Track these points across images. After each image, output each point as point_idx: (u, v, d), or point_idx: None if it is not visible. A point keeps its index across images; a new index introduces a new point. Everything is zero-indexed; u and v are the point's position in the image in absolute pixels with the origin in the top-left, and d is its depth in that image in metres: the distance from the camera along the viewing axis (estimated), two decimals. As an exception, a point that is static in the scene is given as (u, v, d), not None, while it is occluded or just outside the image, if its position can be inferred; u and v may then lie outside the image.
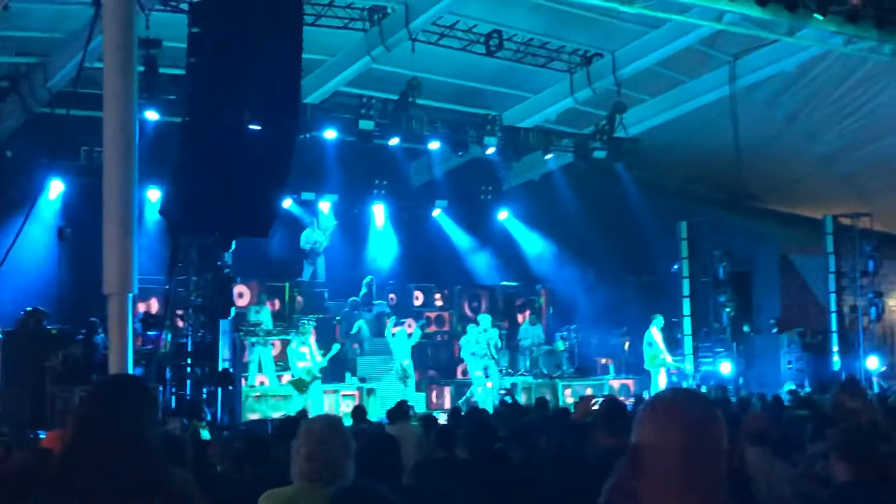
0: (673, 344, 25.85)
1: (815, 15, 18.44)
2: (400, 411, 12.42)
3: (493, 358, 22.84)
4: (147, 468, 3.84)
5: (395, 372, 21.90)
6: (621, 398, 19.94)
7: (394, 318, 23.48)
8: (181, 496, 3.93)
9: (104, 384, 4.39)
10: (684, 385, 23.89)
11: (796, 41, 20.42)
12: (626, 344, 26.65)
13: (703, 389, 21.81)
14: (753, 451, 6.62)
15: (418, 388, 22.62)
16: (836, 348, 25.07)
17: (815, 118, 24.49)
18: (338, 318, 23.95)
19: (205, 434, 12.31)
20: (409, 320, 25.09)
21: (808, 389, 22.00)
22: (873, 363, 24.80)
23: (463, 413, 13.85)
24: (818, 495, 5.63)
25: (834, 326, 25.30)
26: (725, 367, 24.64)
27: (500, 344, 23.49)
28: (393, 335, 22.45)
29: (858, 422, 6.34)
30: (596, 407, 7.57)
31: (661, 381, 23.64)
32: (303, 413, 15.43)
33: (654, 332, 23.99)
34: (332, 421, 4.96)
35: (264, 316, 21.87)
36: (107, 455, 3.77)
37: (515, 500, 4.98)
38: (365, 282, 24.75)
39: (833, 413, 7.04)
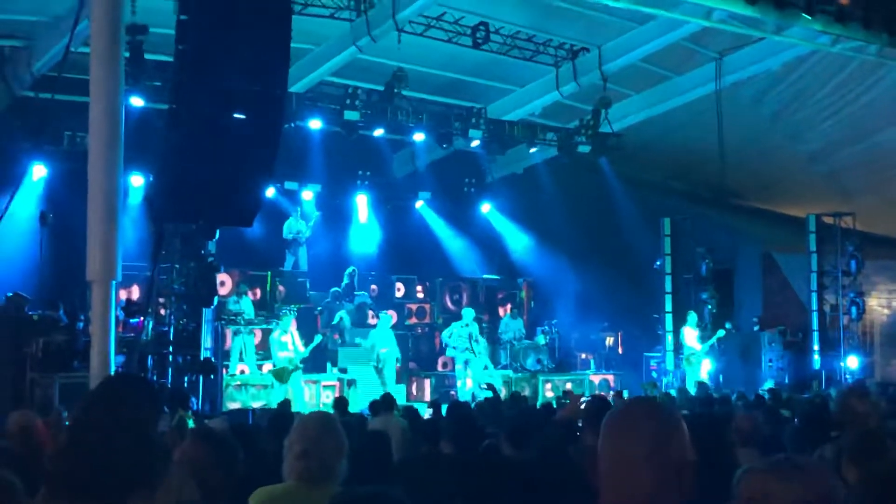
0: (654, 340, 25.94)
1: (803, 14, 18.43)
2: (385, 403, 12.38)
3: (474, 352, 22.88)
4: (148, 463, 3.83)
5: (371, 361, 21.86)
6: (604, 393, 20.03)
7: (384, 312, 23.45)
8: (179, 490, 3.92)
9: (107, 381, 4.36)
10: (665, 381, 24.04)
11: (783, 40, 20.42)
12: (609, 339, 26.68)
13: (689, 386, 21.86)
14: (742, 452, 6.60)
15: (398, 380, 22.59)
16: (816, 347, 25.18)
17: (799, 117, 24.53)
18: (319, 308, 23.90)
19: (191, 424, 12.23)
20: (391, 312, 25.17)
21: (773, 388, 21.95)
22: (853, 362, 24.93)
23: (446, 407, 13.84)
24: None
25: (815, 325, 25.41)
26: (706, 364, 24.67)
27: (480, 339, 23.48)
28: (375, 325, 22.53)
29: (867, 426, 6.33)
30: (583, 406, 7.56)
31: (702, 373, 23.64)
32: (285, 403, 15.39)
33: (686, 332, 23.99)
34: (326, 419, 4.89)
35: (245, 305, 21.79)
36: (107, 448, 3.75)
37: (503, 498, 4.94)
38: (347, 272, 24.70)
39: (840, 417, 7.00)
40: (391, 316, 23.06)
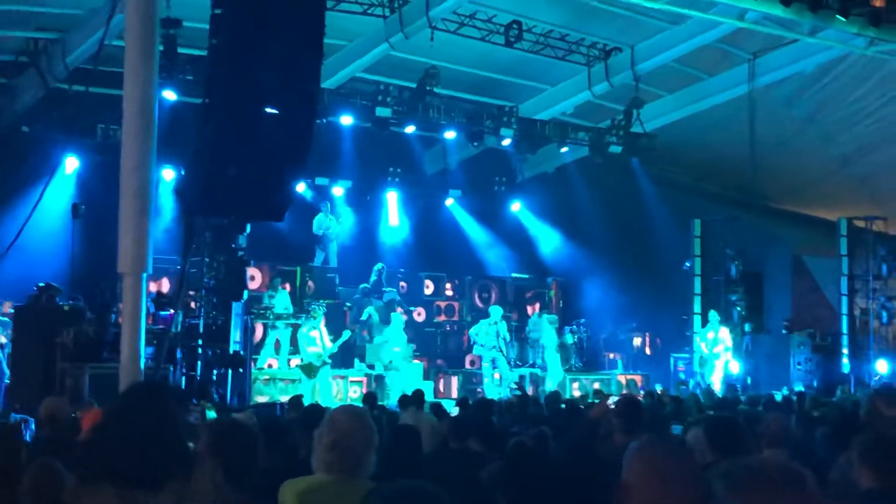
0: (682, 341, 25.85)
1: (838, 16, 18.34)
2: (415, 399, 12.39)
3: (501, 350, 22.90)
4: (177, 451, 3.91)
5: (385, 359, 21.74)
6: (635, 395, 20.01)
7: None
8: (210, 484, 3.99)
9: (136, 387, 4.46)
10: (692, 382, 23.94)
11: (817, 41, 20.32)
12: (637, 339, 26.63)
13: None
14: (771, 453, 6.56)
15: (426, 377, 22.61)
16: (846, 351, 25.05)
17: (832, 119, 24.40)
18: (348, 304, 23.94)
19: (211, 415, 12.30)
20: (420, 309, 25.26)
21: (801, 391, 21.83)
22: (883, 367, 24.77)
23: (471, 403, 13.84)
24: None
25: (845, 329, 25.29)
26: (734, 366, 24.59)
27: (508, 337, 23.51)
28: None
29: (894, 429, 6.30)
30: (612, 406, 7.56)
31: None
32: (297, 400, 15.33)
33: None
34: (357, 412, 4.91)
35: (281, 299, 21.86)
36: (139, 437, 3.84)
37: (532, 495, 4.95)
38: (375, 269, 24.71)
39: (867, 420, 6.98)
40: (402, 315, 22.86)
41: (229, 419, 8.60)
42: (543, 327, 24.13)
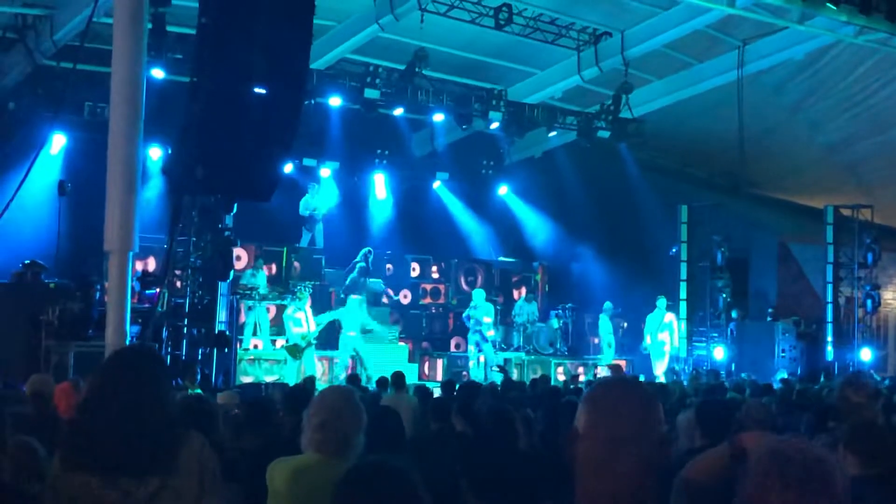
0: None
1: (828, 4, 18.37)
2: (396, 381, 12.40)
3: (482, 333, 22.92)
4: (163, 435, 3.88)
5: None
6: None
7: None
8: (196, 463, 3.97)
9: (123, 352, 4.41)
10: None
11: (807, 29, 20.31)
12: (624, 324, 26.67)
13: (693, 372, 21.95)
14: (752, 439, 6.61)
15: (411, 359, 22.62)
16: (830, 338, 25.15)
17: (820, 107, 24.45)
18: (347, 281, 23.79)
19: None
20: (405, 291, 25.23)
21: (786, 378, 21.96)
22: (866, 355, 24.89)
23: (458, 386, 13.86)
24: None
25: (829, 317, 25.38)
26: (718, 352, 24.70)
27: (494, 320, 23.53)
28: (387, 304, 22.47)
29: (863, 416, 6.39)
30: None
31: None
32: (310, 380, 15.45)
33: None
34: (346, 392, 4.93)
35: (260, 280, 21.81)
36: (124, 419, 3.80)
37: (515, 476, 4.96)
38: (362, 252, 24.57)
39: (838, 406, 7.07)
40: (356, 299, 22.49)
41: (190, 395, 8.63)
42: (601, 319, 24.42)
